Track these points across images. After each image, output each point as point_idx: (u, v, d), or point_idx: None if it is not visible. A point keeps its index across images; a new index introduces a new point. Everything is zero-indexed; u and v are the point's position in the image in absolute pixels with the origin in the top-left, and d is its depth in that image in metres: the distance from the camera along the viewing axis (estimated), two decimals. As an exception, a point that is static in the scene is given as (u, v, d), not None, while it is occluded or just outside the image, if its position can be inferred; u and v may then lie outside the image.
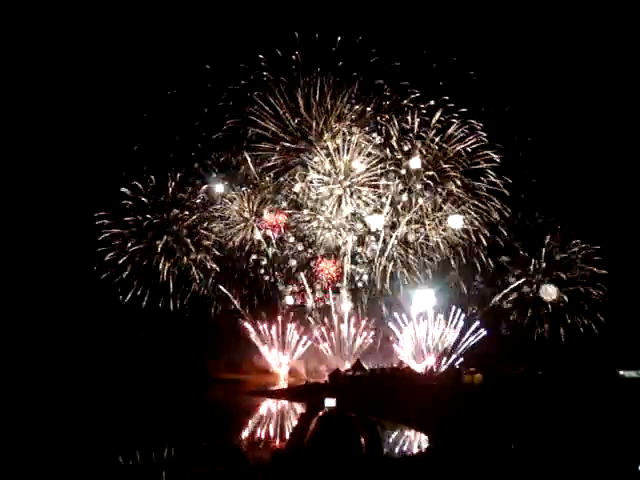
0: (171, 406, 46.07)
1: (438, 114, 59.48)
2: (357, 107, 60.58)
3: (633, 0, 59.25)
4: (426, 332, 57.40)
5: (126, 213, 59.87)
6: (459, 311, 57.70)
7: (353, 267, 61.45)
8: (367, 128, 60.27)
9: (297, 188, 61.17)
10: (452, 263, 60.83)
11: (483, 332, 57.79)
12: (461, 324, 57.53)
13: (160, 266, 59.61)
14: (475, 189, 60.80)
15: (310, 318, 60.58)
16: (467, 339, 57.64)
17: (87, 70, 60.91)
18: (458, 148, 60.08)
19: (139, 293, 58.98)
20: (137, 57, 60.46)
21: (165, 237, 60.12)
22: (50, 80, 60.29)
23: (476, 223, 60.52)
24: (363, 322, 59.74)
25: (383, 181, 60.39)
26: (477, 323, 57.99)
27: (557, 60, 61.54)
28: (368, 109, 60.43)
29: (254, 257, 61.85)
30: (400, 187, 60.52)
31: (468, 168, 60.57)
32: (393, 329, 58.40)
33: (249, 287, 61.88)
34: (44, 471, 27.05)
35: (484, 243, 60.54)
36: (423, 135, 60.04)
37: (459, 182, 60.37)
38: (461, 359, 56.82)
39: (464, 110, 59.51)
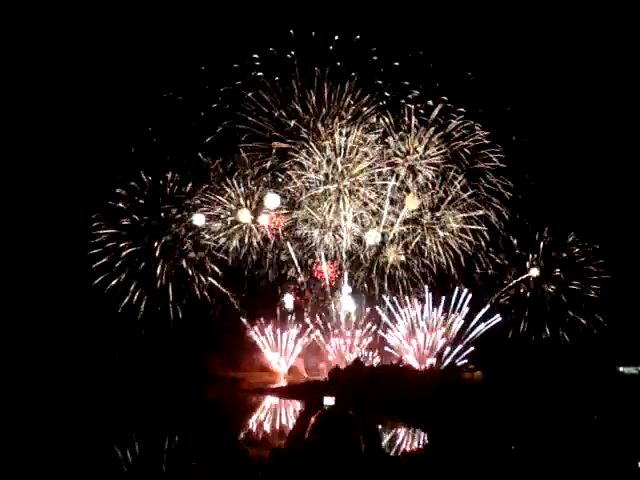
0: (170, 405, 46.07)
1: (435, 113, 59.66)
2: (354, 107, 60.59)
3: (633, 0, 59.44)
4: (423, 317, 57.41)
5: (123, 215, 59.89)
6: (464, 292, 57.15)
7: (351, 268, 61.51)
8: (365, 127, 60.25)
9: (294, 188, 61.17)
10: (450, 263, 60.96)
11: (498, 318, 56.69)
12: (466, 310, 57.13)
13: (159, 268, 59.55)
14: (473, 189, 60.93)
15: (308, 316, 60.70)
16: (475, 327, 56.93)
17: (82, 71, 60.92)
18: (455, 148, 60.24)
19: (137, 295, 58.88)
20: (134, 59, 60.49)
21: (164, 238, 60.07)
22: (45, 82, 60.28)
23: (474, 222, 60.66)
24: (364, 318, 59.85)
25: (381, 181, 60.47)
26: (487, 307, 57.20)
27: (557, 60, 61.77)
28: (365, 109, 60.45)
29: (252, 258, 61.85)
30: (397, 187, 60.62)
31: (466, 168, 60.71)
32: (387, 321, 58.59)
33: (248, 287, 61.89)
34: (44, 470, 26.97)
35: (482, 242, 60.69)
36: (421, 135, 60.18)
37: (457, 182, 60.51)
38: (471, 348, 56.08)
39: (462, 110, 59.76)
